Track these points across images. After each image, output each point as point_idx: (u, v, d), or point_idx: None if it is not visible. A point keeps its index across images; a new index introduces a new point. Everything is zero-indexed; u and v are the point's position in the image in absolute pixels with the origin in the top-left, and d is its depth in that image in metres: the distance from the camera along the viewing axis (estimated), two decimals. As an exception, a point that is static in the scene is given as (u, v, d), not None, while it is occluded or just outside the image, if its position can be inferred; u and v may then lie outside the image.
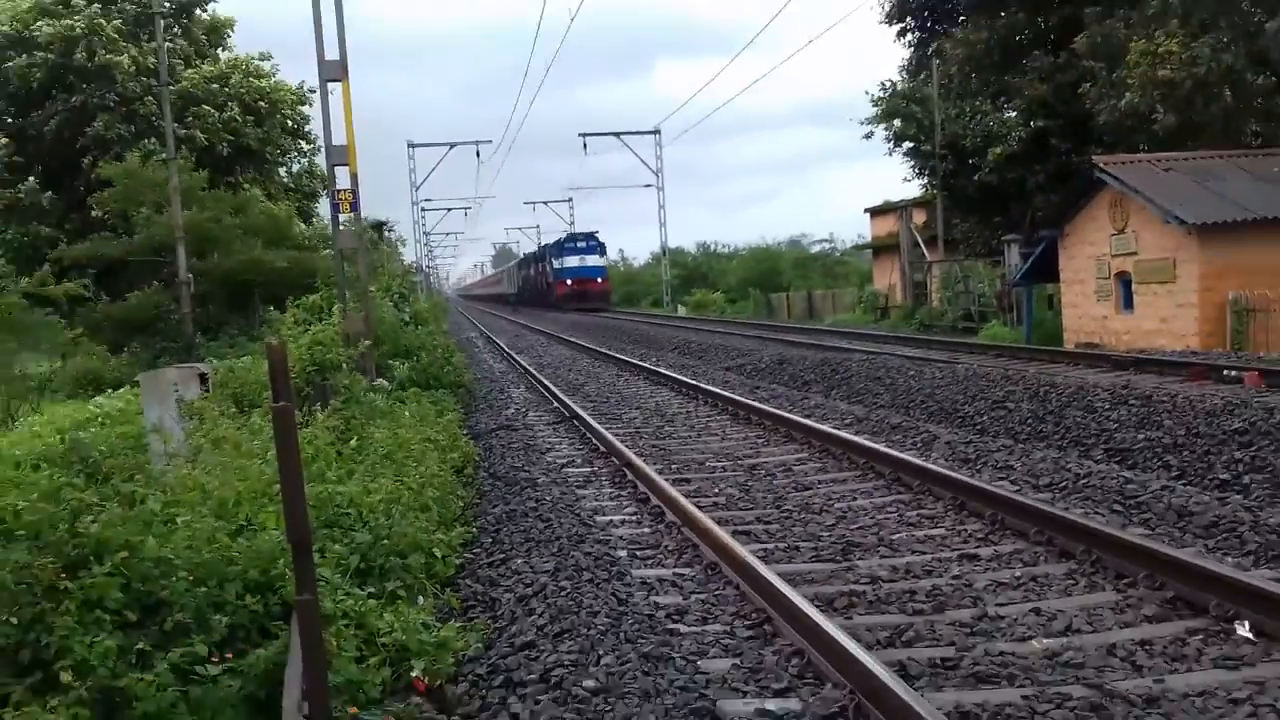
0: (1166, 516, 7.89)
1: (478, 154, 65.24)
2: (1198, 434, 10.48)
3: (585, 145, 60.35)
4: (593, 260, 67.86)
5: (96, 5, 36.56)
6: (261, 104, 38.41)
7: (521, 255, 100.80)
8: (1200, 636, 5.63)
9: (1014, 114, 34.47)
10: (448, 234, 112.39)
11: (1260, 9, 26.73)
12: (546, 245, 76.16)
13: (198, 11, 40.15)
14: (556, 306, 65.43)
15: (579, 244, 68.20)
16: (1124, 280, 24.75)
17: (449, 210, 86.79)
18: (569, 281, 66.06)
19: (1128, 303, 24.69)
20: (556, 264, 68.38)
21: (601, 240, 69.53)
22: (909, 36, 40.45)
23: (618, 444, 11.98)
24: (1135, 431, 11.09)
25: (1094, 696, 4.92)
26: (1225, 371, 15.46)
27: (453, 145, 64.61)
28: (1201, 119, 27.72)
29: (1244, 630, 5.59)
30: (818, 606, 5.99)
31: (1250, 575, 6.12)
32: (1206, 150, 26.45)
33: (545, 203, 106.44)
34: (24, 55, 35.89)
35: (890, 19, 39.93)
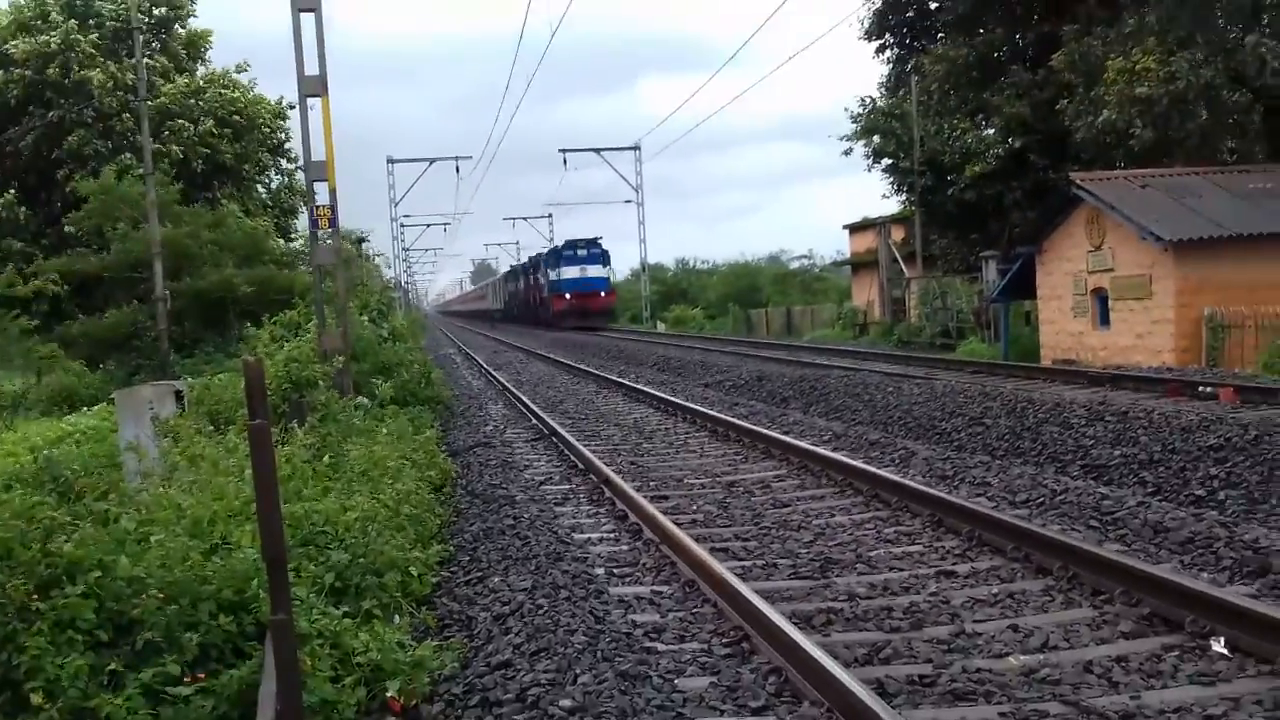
0: (1142, 532, 7.93)
1: (457, 170, 64.70)
2: (1173, 450, 10.54)
3: (565, 161, 60.37)
4: (595, 271, 59.16)
5: (73, 21, 36.43)
6: (238, 118, 38.30)
7: (507, 268, 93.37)
8: (1176, 653, 5.66)
9: (992, 131, 34.70)
10: (426, 250, 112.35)
11: (1236, 26, 26.98)
12: (540, 255, 67.95)
13: (176, 27, 40.04)
14: (552, 324, 58.70)
15: (579, 252, 59.44)
16: (1100, 296, 24.90)
17: (428, 226, 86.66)
18: (568, 295, 57.92)
19: (1104, 319, 24.84)
20: (553, 275, 60.31)
21: (605, 249, 60.59)
22: (888, 53, 40.66)
23: (596, 461, 11.98)
24: (1111, 447, 11.15)
25: (1070, 713, 4.95)
26: (1201, 388, 15.56)
27: (432, 161, 64.28)
28: (1178, 135, 27.93)
29: (1219, 646, 5.62)
30: (795, 624, 6.00)
31: (1225, 591, 6.18)
32: (1183, 167, 26.67)
33: (525, 218, 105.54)
34: (1, 71, 35.78)
35: (870, 35, 40.13)
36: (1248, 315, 21.22)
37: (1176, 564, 7.13)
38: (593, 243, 60.07)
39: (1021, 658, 5.71)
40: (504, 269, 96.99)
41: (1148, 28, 27.87)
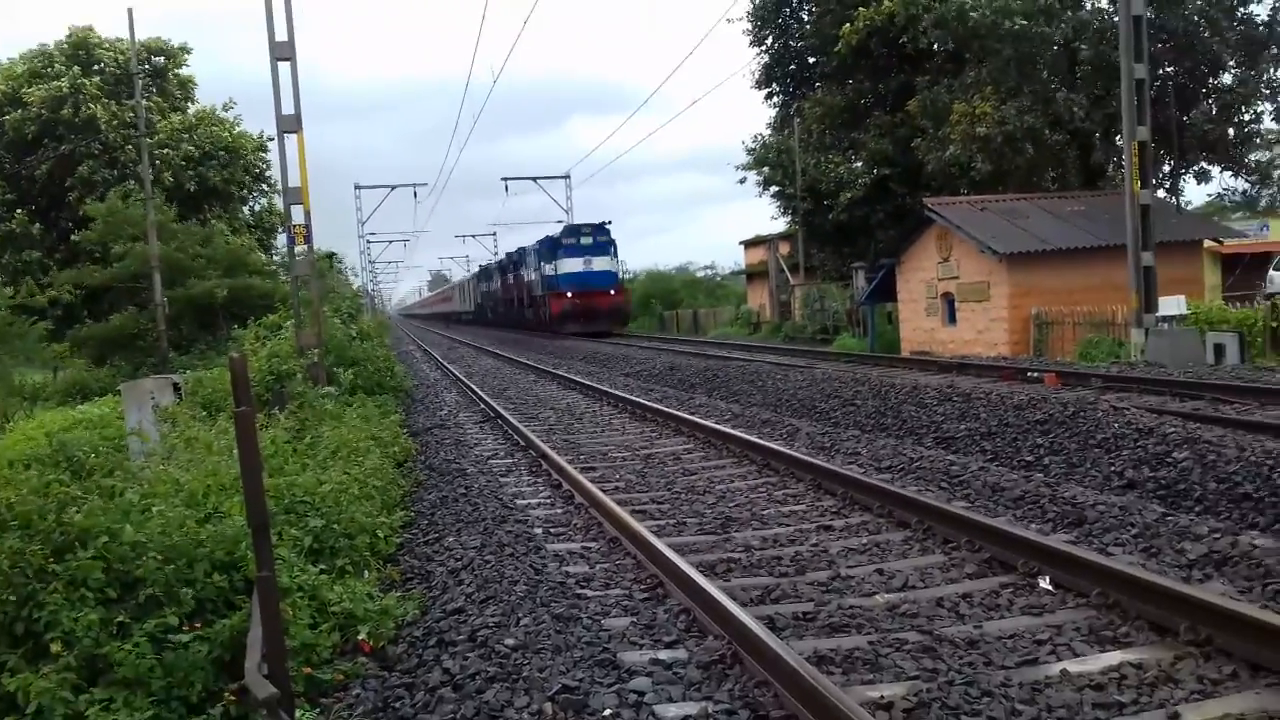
0: (983, 492, 8.04)
1: (415, 195, 63.34)
2: (1007, 424, 10.68)
3: (507, 188, 59.28)
4: (602, 263, 41.25)
5: (77, 67, 35.48)
6: (223, 151, 37.58)
7: (478, 266, 73.69)
8: (1011, 590, 5.75)
9: (860, 163, 35.12)
10: (390, 262, 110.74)
11: (1055, 79, 27.57)
12: (529, 246, 48.45)
13: (170, 73, 39.14)
14: (549, 328, 41.84)
15: (583, 240, 41.41)
16: (948, 299, 25.32)
17: (390, 243, 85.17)
18: (569, 294, 40.32)
19: (952, 318, 25.26)
20: (548, 269, 42.61)
21: (613, 236, 42.36)
22: (775, 99, 40.96)
23: (535, 439, 11.90)
24: (958, 423, 11.28)
25: (926, 640, 5.00)
26: (1029, 373, 15.85)
27: (394, 187, 63.15)
28: (1010, 168, 28.53)
29: (1045, 584, 5.72)
30: (701, 572, 6.00)
31: (1049, 539, 6.27)
32: (1014, 194, 27.22)
33: (473, 236, 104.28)
34: (18, 110, 34.73)
35: (760, 84, 40.44)
36: (1066, 314, 21.73)
37: (1010, 517, 7.23)
38: (599, 228, 41.80)
39: (886, 596, 5.77)
40: (474, 268, 79.80)
41: (984, 79, 28.41)
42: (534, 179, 58.79)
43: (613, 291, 41.48)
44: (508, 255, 56.52)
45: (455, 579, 6.51)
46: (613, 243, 42.10)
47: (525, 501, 8.98)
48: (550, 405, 16.53)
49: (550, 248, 42.84)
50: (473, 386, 19.84)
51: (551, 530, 7.84)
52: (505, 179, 56.16)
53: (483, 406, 16.56)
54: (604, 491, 8.62)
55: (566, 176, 60.17)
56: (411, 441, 12.55)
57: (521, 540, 7.32)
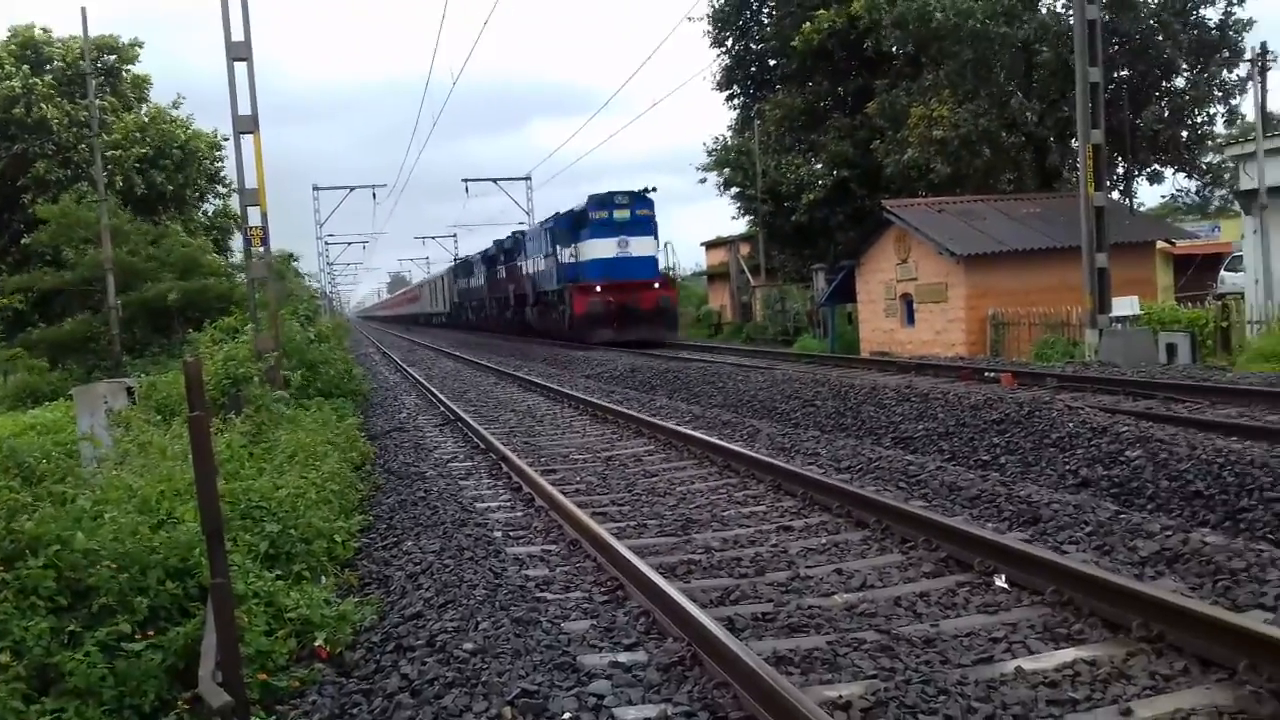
0: (940, 491, 8.10)
1: (374, 196, 62.88)
2: (965, 424, 10.77)
3: (467, 189, 58.95)
4: (643, 245, 30.08)
5: (27, 66, 34.88)
6: (177, 150, 37.06)
7: (455, 259, 63.47)
8: (967, 588, 5.80)
9: (820, 165, 35.33)
10: (348, 264, 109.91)
11: (1011, 83, 27.92)
12: (533, 227, 38.02)
13: (123, 72, 38.54)
14: (564, 335, 31.17)
15: (616, 214, 29.74)
16: (907, 300, 25.55)
17: (349, 244, 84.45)
18: (598, 288, 29.25)
19: (910, 319, 25.49)
20: (566, 254, 31.27)
21: (653, 212, 30.72)
22: (735, 101, 41.10)
23: (495, 442, 11.85)
24: (916, 423, 11.37)
25: (883, 639, 5.03)
26: (986, 373, 16.02)
27: (352, 189, 62.66)
28: (967, 170, 28.84)
29: (1001, 582, 5.78)
30: (662, 574, 6.00)
31: (1005, 537, 6.34)
32: (971, 196, 27.52)
33: (433, 237, 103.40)
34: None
35: (720, 86, 40.57)
36: (1022, 315, 22.01)
37: (967, 516, 7.30)
38: (640, 197, 30.21)
39: (845, 596, 5.80)
40: (436, 267, 70.67)
41: (942, 83, 28.69)
42: (495, 180, 58.36)
43: (657, 285, 29.44)
44: (496, 243, 44.48)
45: (414, 583, 6.47)
46: (655, 221, 30.39)
47: (485, 505, 8.93)
48: (511, 408, 16.47)
49: (569, 225, 30.88)
50: (432, 389, 19.73)
51: (511, 533, 7.80)
52: (466, 180, 55.71)
53: (442, 409, 16.47)
54: (564, 494, 8.60)
55: (527, 178, 59.92)
56: (370, 445, 12.46)
57: (481, 544, 7.29)
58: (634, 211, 29.78)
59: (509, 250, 41.19)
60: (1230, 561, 5.62)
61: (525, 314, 37.65)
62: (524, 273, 37.70)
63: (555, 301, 32.68)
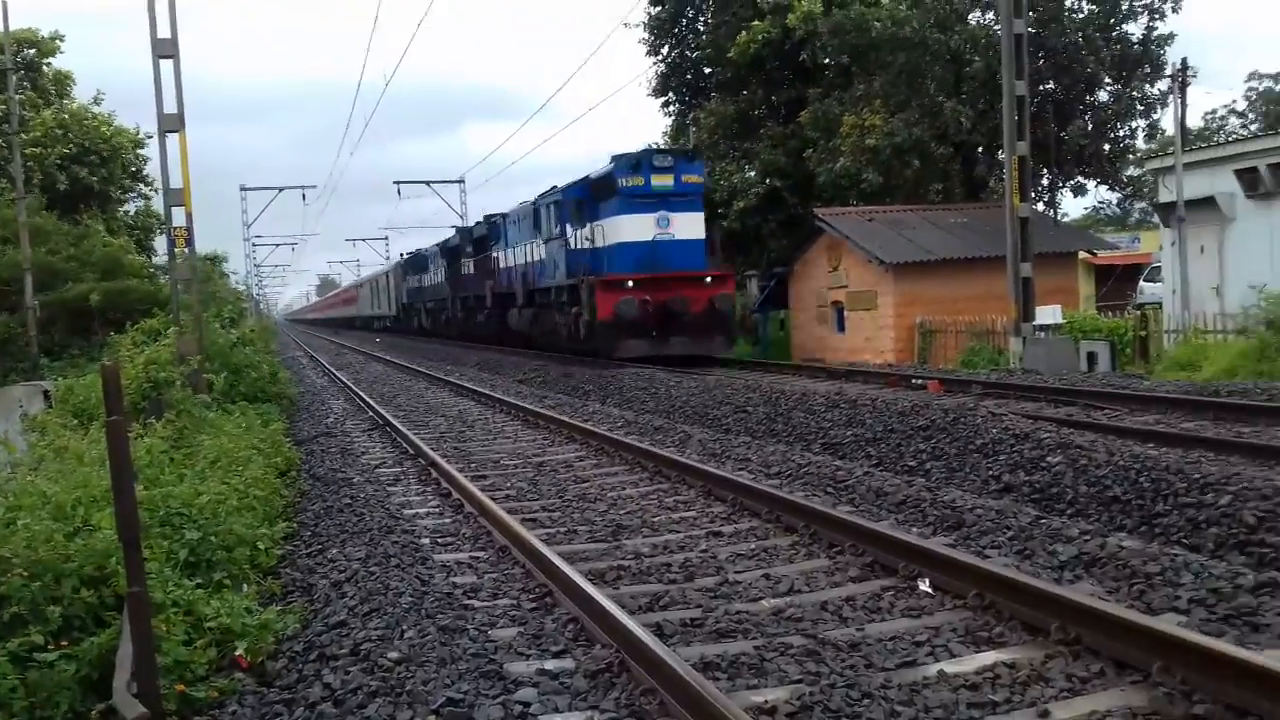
0: (868, 497, 8.21)
1: (304, 198, 61.93)
2: (892, 430, 10.88)
3: (400, 191, 58.35)
4: (689, 226, 22.08)
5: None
6: (103, 147, 36.13)
7: (405, 254, 53.72)
8: (892, 592, 5.87)
9: (753, 173, 35.59)
10: (276, 266, 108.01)
11: (942, 93, 28.44)
12: (529, 203, 27.70)
13: (44, 67, 37.52)
14: (581, 346, 23.14)
15: (656, 178, 21.64)
16: (838, 308, 25.89)
17: (277, 246, 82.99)
18: (631, 283, 21.30)
19: (841, 326, 25.83)
20: (583, 237, 23.14)
21: (704, 178, 23.92)
22: (671, 108, 41.28)
23: (424, 447, 11.74)
24: (845, 429, 11.48)
25: (810, 644, 5.07)
26: (913, 380, 16.31)
27: (281, 189, 61.75)
28: (898, 180, 29.29)
29: (925, 586, 5.87)
30: (591, 580, 6.00)
31: (929, 542, 6.43)
32: (901, 205, 27.97)
33: (364, 239, 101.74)
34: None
35: (656, 93, 40.74)
36: (949, 323, 22.44)
37: (893, 521, 7.39)
38: (687, 157, 23.23)
39: (772, 600, 5.84)
40: (396, 258, 59.05)
41: (873, 93, 29.12)
42: (427, 183, 57.80)
43: (710, 280, 21.78)
44: (462, 231, 37.42)
45: (338, 591, 6.38)
46: (706, 186, 24.00)
47: (413, 511, 8.84)
48: (441, 413, 16.32)
49: (585, 196, 23.15)
50: (360, 393, 19.48)
51: (439, 540, 7.73)
52: (398, 182, 55.08)
53: (371, 414, 16.27)
54: (494, 500, 8.55)
55: (461, 181, 59.48)
56: (296, 450, 12.26)
57: (408, 551, 7.21)
58: (679, 177, 21.78)
59: (481, 239, 33.28)
60: (1145, 565, 5.78)
61: (509, 318, 29.29)
62: (505, 265, 29.69)
63: (561, 302, 24.42)
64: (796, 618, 5.53)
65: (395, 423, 14.26)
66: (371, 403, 17.49)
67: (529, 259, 27.17)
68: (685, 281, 21.47)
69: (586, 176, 23.64)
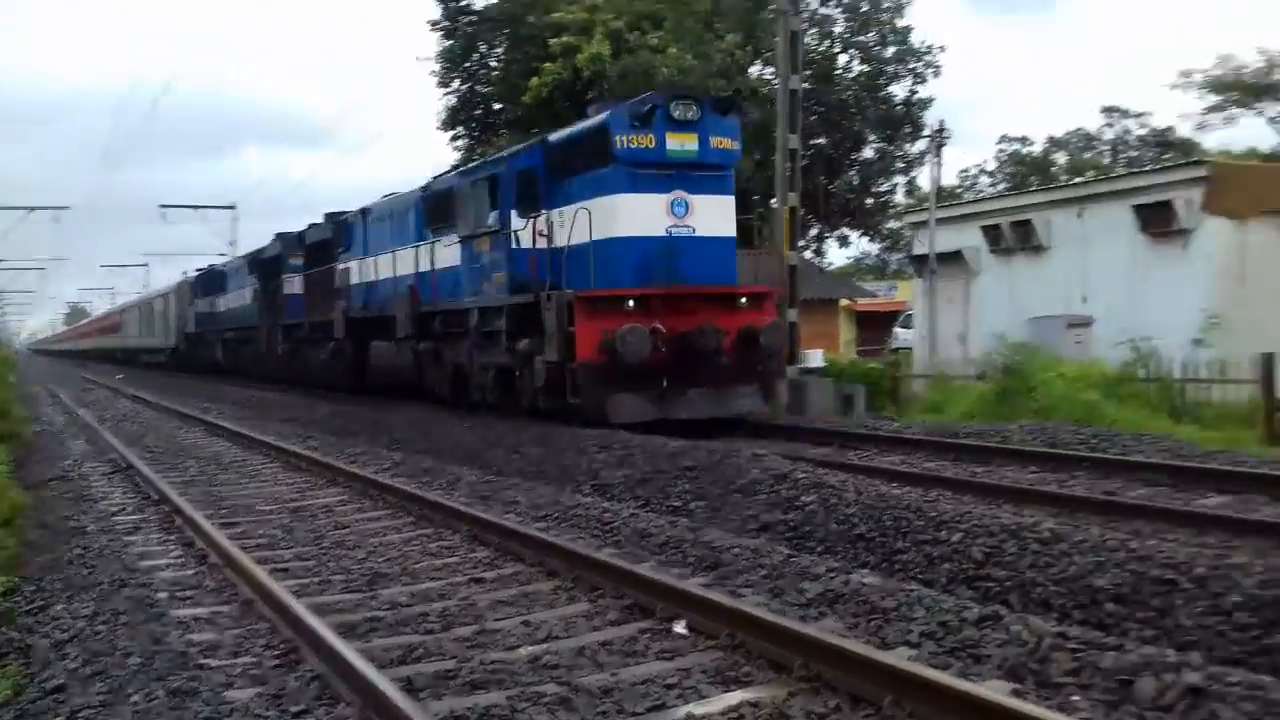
0: (632, 538, 8.31)
1: (57, 219, 57.31)
2: (660, 470, 11.05)
3: (165, 215, 55.25)
4: (715, 214, 14.51)
5: None
6: None
7: (184, 273, 48.60)
8: (649, 635, 5.94)
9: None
10: (19, 292, 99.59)
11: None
12: (415, 190, 19.47)
13: None
14: (539, 403, 15.10)
15: (671, 135, 13.96)
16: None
17: (23, 270, 76.59)
18: (630, 303, 13.87)
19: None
20: (556, 226, 14.86)
21: (738, 145, 14.78)
22: (460, 141, 41.19)
23: (170, 492, 11.01)
24: (615, 470, 11.59)
25: (564, 691, 5.07)
26: (685, 421, 16.68)
27: (31, 209, 57.13)
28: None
29: (680, 628, 5.98)
30: (340, 633, 5.78)
31: (686, 583, 6.56)
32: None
33: (123, 266, 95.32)
34: None
35: (445, 126, 40.58)
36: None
37: (654, 562, 7.50)
38: (722, 109, 14.64)
39: (530, 648, 5.79)
40: (170, 280, 52.59)
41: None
42: (195, 207, 54.96)
43: (745, 300, 14.91)
44: (283, 238, 28.95)
45: (59, 653, 5.88)
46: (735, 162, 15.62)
47: (151, 563, 8.26)
48: (194, 454, 15.42)
49: (552, 160, 15.74)
50: (104, 434, 18.17)
51: (178, 594, 7.25)
52: (164, 206, 52.15)
53: (114, 455, 15.19)
54: (244, 549, 8.12)
55: (232, 206, 56.88)
56: (24, 495, 11.28)
57: (142, 607, 6.73)
58: (706, 139, 14.48)
59: (319, 245, 25.59)
60: (883, 601, 6.13)
61: (370, 357, 22.34)
62: (368, 278, 21.92)
63: (489, 332, 16.50)
64: (553, 665, 5.51)
65: (140, 465, 13.35)
66: (115, 443, 16.30)
67: (418, 267, 19.11)
68: (712, 302, 14.58)
69: (562, 132, 16.22)
